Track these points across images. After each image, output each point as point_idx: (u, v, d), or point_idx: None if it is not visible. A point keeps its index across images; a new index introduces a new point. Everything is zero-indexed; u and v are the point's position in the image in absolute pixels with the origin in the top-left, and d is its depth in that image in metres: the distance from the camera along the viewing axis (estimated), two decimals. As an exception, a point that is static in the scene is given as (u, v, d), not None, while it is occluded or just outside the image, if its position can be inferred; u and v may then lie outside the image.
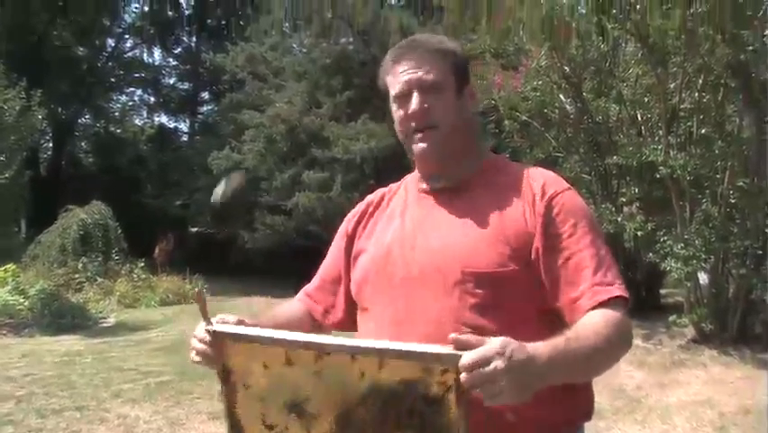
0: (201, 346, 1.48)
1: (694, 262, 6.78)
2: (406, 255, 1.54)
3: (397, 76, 1.58)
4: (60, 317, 9.10)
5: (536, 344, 1.28)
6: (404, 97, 1.57)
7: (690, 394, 5.61)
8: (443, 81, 1.56)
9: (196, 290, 1.58)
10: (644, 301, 8.90)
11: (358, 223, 1.73)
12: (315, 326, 1.75)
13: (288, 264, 13.84)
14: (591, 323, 1.40)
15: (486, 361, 1.19)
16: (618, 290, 1.45)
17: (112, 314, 9.95)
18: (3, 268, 10.36)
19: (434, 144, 1.56)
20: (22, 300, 9.37)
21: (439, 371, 1.22)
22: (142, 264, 12.29)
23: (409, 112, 1.57)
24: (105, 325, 9.28)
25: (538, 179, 1.56)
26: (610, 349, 1.42)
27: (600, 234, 1.53)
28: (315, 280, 1.80)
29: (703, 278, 7.55)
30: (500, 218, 1.50)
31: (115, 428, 4.93)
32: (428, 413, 1.24)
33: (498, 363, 1.19)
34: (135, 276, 11.69)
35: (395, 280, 1.54)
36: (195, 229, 20.47)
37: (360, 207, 1.78)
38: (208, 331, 1.44)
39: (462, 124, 1.59)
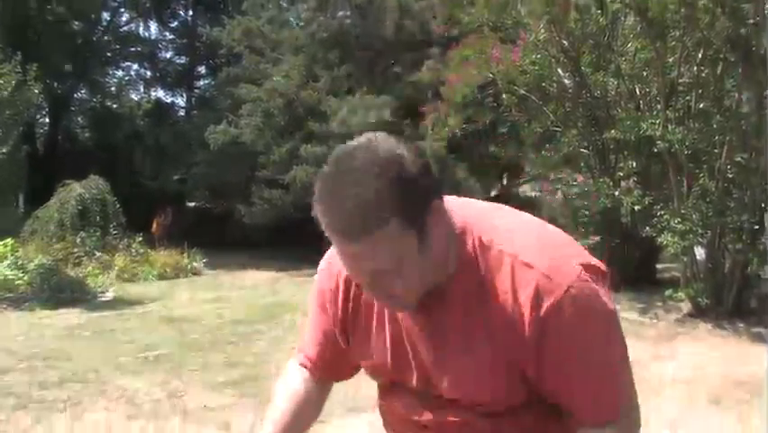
0: None
1: (691, 236, 6.82)
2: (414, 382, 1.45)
3: (336, 254, 1.26)
4: (60, 291, 9.13)
5: None
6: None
7: (685, 367, 5.67)
8: (393, 258, 1.20)
9: None
10: (640, 276, 8.96)
11: (345, 310, 1.45)
12: (324, 390, 1.59)
13: (285, 238, 13.89)
14: None
15: None
16: (619, 405, 1.33)
17: (111, 288, 9.99)
18: (1, 243, 10.38)
19: (407, 307, 1.32)
20: (21, 275, 9.40)
21: None
22: (140, 239, 12.30)
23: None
24: (104, 299, 9.32)
25: (526, 284, 1.24)
26: None
27: (607, 345, 1.29)
28: (311, 346, 1.57)
29: (699, 252, 7.59)
30: (490, 343, 1.29)
31: (115, 399, 4.97)
32: None
33: None
34: (133, 250, 11.71)
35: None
36: (192, 204, 20.46)
37: (337, 283, 1.46)
38: None
39: (434, 265, 1.26)
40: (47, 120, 23.52)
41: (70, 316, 8.22)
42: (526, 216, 1.42)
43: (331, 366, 1.56)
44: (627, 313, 7.44)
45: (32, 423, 4.50)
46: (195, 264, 11.45)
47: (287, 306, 8.24)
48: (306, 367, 1.57)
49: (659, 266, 9.47)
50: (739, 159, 6.96)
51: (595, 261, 1.48)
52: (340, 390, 1.56)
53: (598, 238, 8.54)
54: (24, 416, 4.64)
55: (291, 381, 1.57)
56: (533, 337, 1.24)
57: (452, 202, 1.33)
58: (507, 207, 1.45)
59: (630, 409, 1.35)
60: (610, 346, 1.30)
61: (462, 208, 1.34)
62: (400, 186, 1.17)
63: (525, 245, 1.28)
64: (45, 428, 4.41)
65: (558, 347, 1.25)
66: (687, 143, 6.82)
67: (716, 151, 7.15)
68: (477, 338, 1.29)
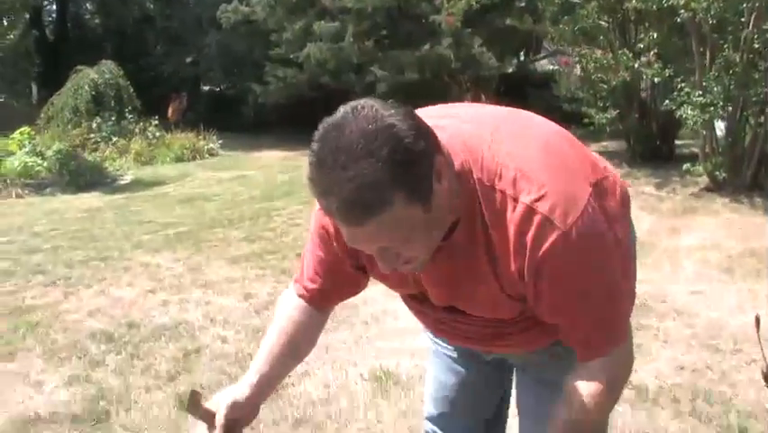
0: None
1: (711, 109, 6.69)
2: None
3: (341, 235, 1.23)
4: (79, 175, 9.23)
5: None
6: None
7: (700, 238, 5.70)
8: (400, 233, 1.16)
9: (192, 392, 1.41)
10: (658, 151, 8.89)
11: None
12: (320, 321, 1.58)
13: (299, 117, 13.80)
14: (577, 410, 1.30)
15: None
16: (608, 348, 1.33)
17: (128, 171, 10.08)
18: (18, 131, 10.42)
19: (419, 268, 1.30)
20: (40, 162, 9.50)
21: None
22: (156, 122, 12.29)
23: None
24: (122, 182, 9.42)
25: (526, 227, 1.21)
26: (598, 424, 1.42)
27: (603, 279, 1.29)
28: (309, 276, 1.54)
29: (719, 126, 7.47)
30: (497, 280, 1.30)
31: (138, 274, 5.11)
32: None
33: None
34: (150, 134, 11.73)
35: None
36: (206, 88, 20.29)
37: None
38: None
39: (441, 221, 1.22)
40: (54, 7, 23.07)
41: (90, 199, 8.35)
42: (533, 133, 1.34)
43: (330, 294, 1.55)
44: (644, 187, 7.44)
45: (62, 297, 4.66)
46: (211, 146, 11.47)
47: (302, 183, 8.17)
48: (304, 297, 1.54)
49: (678, 142, 9.37)
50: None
51: (609, 171, 1.45)
52: None
53: (616, 113, 8.43)
54: (54, 291, 4.80)
55: (287, 311, 1.54)
56: (530, 278, 1.24)
57: (450, 129, 1.26)
58: (511, 119, 1.38)
59: (623, 345, 1.35)
60: (609, 283, 1.29)
61: (462, 137, 1.27)
62: (398, 160, 1.09)
63: (527, 182, 1.23)
64: (74, 302, 4.56)
65: (551, 290, 1.26)
66: (712, 12, 6.57)
67: (742, 20, 6.89)
68: (485, 275, 1.30)
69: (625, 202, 1.46)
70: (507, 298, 1.32)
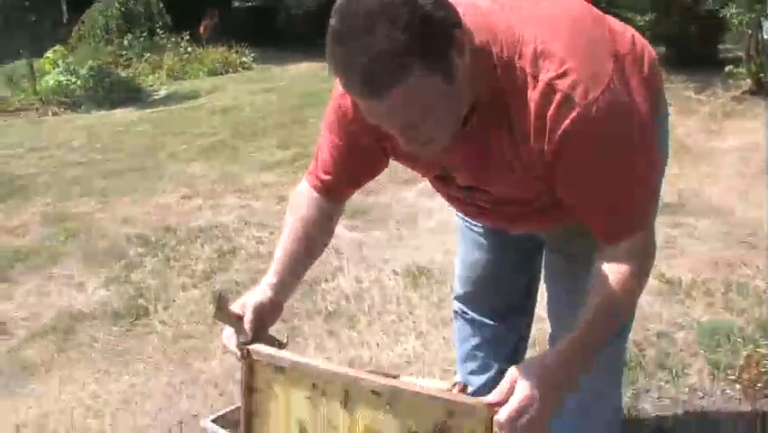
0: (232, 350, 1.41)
1: (758, 7, 6.43)
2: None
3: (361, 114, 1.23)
4: (113, 92, 9.27)
5: (557, 360, 1.23)
6: None
7: (740, 141, 5.56)
8: (421, 106, 1.13)
9: (218, 294, 1.42)
10: (699, 56, 8.59)
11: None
12: (334, 213, 1.58)
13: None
14: (603, 293, 1.27)
15: (521, 412, 1.17)
16: (629, 232, 1.30)
17: (162, 86, 10.09)
18: (51, 50, 10.45)
19: (443, 149, 1.27)
20: (74, 80, 9.53)
21: (467, 420, 1.20)
22: (188, 38, 12.20)
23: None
24: (156, 97, 9.44)
25: (547, 104, 1.19)
26: (627, 305, 1.37)
27: (624, 160, 1.25)
28: (326, 166, 1.52)
29: (766, 28, 7.19)
30: (519, 160, 1.28)
31: (174, 183, 5.17)
32: None
33: (532, 414, 1.17)
34: (182, 49, 11.66)
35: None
36: (237, 3, 20.03)
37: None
38: (241, 349, 1.37)
39: (463, 97, 1.20)
40: None
41: (125, 114, 8.41)
42: (555, 11, 1.29)
43: (343, 184, 1.54)
44: (683, 92, 7.23)
45: (99, 206, 4.75)
46: (243, 59, 11.38)
47: (336, 90, 8.14)
48: (317, 188, 1.53)
49: (721, 47, 9.05)
50: None
51: (636, 44, 1.39)
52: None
53: (654, 15, 8.14)
54: (91, 201, 4.89)
55: (301, 207, 1.53)
56: (550, 158, 1.22)
57: (470, 7, 1.22)
58: None
59: (645, 231, 1.32)
60: (631, 165, 1.26)
61: (482, 14, 1.23)
62: (417, 28, 1.06)
63: (548, 60, 1.19)
64: (111, 211, 4.65)
65: (571, 170, 1.24)
66: None
67: None
68: (506, 155, 1.27)
69: (653, 77, 1.42)
70: (528, 178, 1.30)
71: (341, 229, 3.83)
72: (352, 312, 3.08)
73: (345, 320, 3.02)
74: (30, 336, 3.13)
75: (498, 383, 1.21)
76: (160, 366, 2.84)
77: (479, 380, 1.95)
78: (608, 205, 1.29)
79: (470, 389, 1.74)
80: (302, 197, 1.54)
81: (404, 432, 1.24)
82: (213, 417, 2.18)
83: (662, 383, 2.50)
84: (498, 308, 1.94)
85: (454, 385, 1.47)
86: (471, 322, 1.97)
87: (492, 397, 1.19)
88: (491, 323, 1.94)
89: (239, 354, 1.36)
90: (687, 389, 2.47)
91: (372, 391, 1.25)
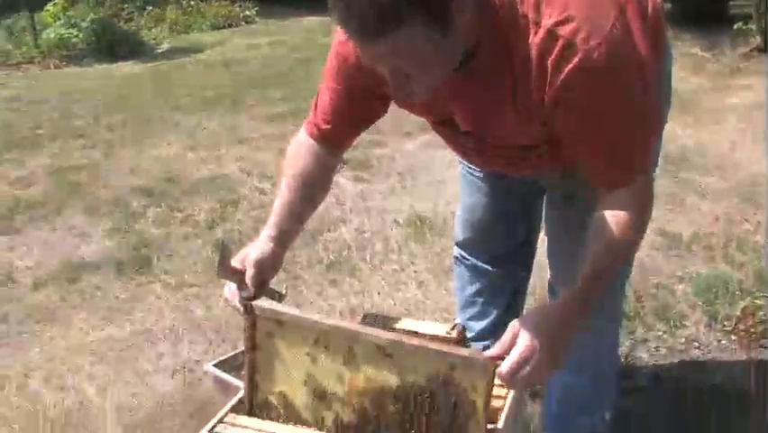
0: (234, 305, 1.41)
1: (768, -39, 6.33)
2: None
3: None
4: (115, 45, 9.18)
5: (557, 311, 1.25)
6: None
7: (746, 98, 5.52)
8: (419, 60, 1.15)
9: (220, 241, 1.40)
10: (708, 11, 8.46)
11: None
12: (332, 164, 1.59)
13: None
14: (603, 238, 1.29)
15: (522, 364, 1.18)
16: (628, 178, 1.31)
17: (165, 40, 10.00)
18: (52, 3, 10.34)
19: (428, 95, 1.28)
20: (76, 33, 9.46)
21: (470, 373, 1.21)
22: (190, -9, 12.06)
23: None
24: (159, 50, 9.36)
25: (547, 52, 1.20)
26: (627, 254, 1.41)
27: (625, 106, 1.26)
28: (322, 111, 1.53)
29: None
30: (515, 105, 1.29)
31: (177, 135, 5.15)
32: (452, 409, 1.24)
33: (533, 364, 1.18)
34: (184, 3, 11.54)
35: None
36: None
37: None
38: (244, 305, 1.37)
39: (457, 47, 1.21)
40: None
41: (128, 67, 8.35)
42: None
43: (341, 133, 1.54)
44: (690, 49, 7.14)
45: (102, 158, 4.76)
46: (247, 13, 11.25)
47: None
48: (314, 136, 1.53)
49: (731, 2, 8.91)
50: None
51: None
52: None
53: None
54: (94, 152, 4.89)
55: (299, 159, 1.53)
56: (551, 103, 1.23)
57: None
58: None
59: (644, 177, 1.33)
60: (632, 111, 1.26)
61: None
62: None
63: (550, 6, 1.19)
64: (114, 162, 4.65)
65: (571, 115, 1.25)
66: None
67: None
68: (507, 101, 1.28)
69: (656, 25, 1.41)
70: (528, 122, 1.31)
71: (344, 180, 3.86)
72: (354, 261, 3.10)
73: (347, 269, 3.05)
74: (35, 285, 3.17)
75: (496, 330, 1.23)
76: (162, 313, 2.88)
77: (478, 325, 1.97)
78: (607, 145, 1.29)
79: (469, 334, 1.77)
80: (300, 147, 1.54)
81: (406, 385, 1.26)
82: (215, 361, 2.23)
83: (660, 333, 2.54)
84: (497, 255, 1.96)
85: (453, 327, 1.49)
86: (471, 268, 1.99)
87: (494, 350, 1.21)
88: (490, 269, 1.96)
89: (242, 309, 1.37)
90: (684, 339, 2.51)
91: (375, 346, 1.26)
